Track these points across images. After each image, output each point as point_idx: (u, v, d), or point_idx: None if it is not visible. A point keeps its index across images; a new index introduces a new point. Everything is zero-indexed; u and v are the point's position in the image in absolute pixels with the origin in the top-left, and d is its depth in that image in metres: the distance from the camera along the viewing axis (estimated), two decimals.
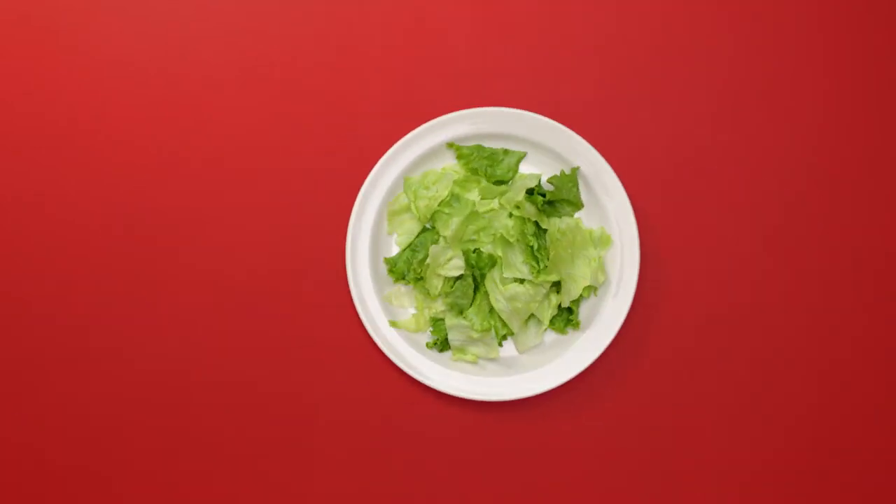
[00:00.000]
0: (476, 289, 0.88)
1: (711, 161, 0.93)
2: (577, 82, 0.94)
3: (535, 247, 0.86)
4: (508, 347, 0.91)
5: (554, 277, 0.86)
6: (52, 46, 0.95)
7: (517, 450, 0.91)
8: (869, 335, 0.91)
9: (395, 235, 0.92)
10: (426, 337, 0.91)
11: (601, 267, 0.88)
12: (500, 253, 0.87)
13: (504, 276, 0.86)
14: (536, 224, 0.88)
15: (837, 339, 0.91)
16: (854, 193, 0.92)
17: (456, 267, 0.88)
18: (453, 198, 0.89)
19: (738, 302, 0.91)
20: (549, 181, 0.89)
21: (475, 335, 0.88)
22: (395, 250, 0.92)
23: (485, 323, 0.87)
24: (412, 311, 0.91)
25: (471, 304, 0.88)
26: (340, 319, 0.93)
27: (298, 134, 0.94)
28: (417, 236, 0.90)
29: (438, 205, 0.89)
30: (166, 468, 0.93)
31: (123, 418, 0.93)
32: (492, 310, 0.88)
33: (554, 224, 0.88)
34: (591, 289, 0.89)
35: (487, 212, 0.89)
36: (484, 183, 0.90)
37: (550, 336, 0.91)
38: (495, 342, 0.89)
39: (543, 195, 0.89)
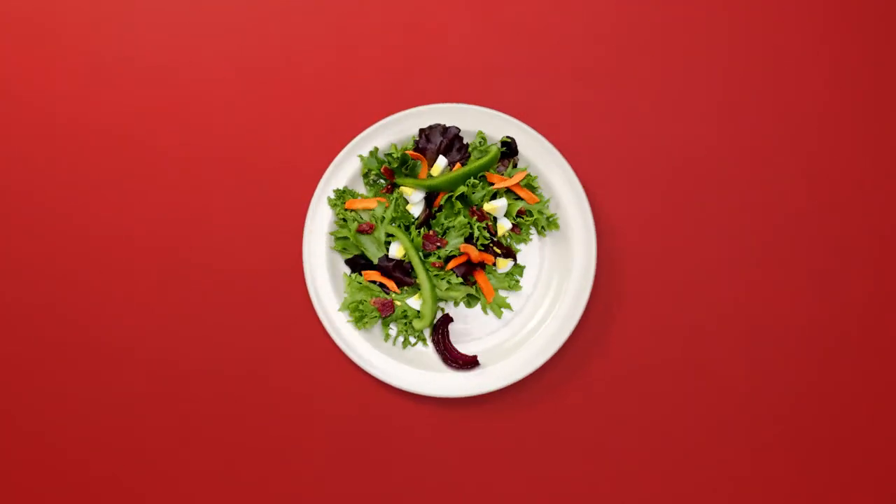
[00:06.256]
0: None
1: (673, 164, 0.94)
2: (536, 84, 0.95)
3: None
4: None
5: None
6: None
7: (477, 445, 0.92)
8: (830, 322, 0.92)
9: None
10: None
11: None
12: None
13: None
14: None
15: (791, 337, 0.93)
16: (808, 176, 0.94)
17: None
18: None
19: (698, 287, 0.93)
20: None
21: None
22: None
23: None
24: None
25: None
26: (296, 313, 0.94)
27: (255, 132, 0.95)
28: None
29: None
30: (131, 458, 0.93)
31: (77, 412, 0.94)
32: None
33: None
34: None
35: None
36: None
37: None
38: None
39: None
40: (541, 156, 0.91)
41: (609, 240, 0.94)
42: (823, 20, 0.95)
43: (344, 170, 0.92)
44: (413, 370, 0.90)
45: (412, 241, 0.90)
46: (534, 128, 0.94)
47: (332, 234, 0.91)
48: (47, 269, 0.95)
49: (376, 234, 0.90)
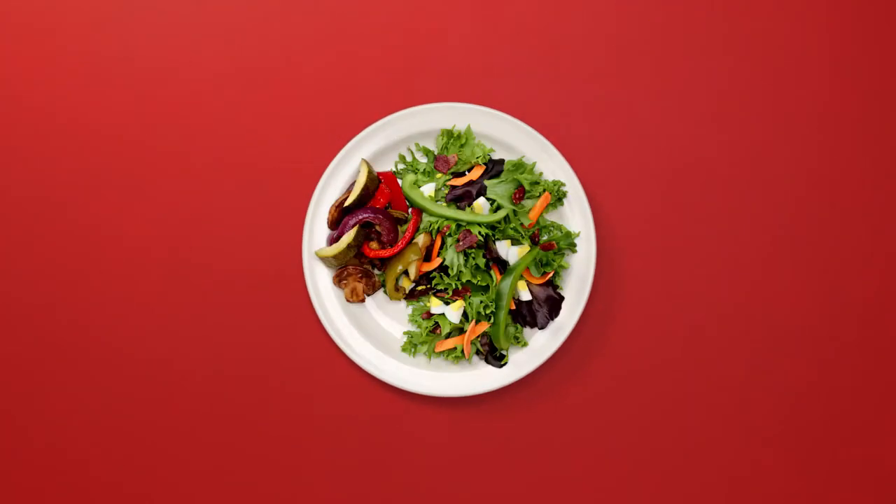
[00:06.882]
0: None
1: (672, 168, 0.94)
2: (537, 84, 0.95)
3: None
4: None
5: None
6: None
7: (477, 445, 0.92)
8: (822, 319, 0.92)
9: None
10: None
11: None
12: None
13: None
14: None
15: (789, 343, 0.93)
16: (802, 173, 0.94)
17: None
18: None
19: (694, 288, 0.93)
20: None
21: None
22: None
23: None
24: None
25: None
26: (296, 313, 0.94)
27: (255, 132, 0.95)
28: None
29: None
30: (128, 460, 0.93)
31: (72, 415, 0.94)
32: None
33: None
34: None
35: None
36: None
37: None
38: None
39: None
40: (541, 155, 0.91)
41: (609, 240, 0.94)
42: (823, 20, 0.95)
43: (344, 170, 0.92)
44: (413, 370, 0.90)
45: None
46: (534, 128, 0.94)
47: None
48: (47, 269, 0.95)
49: None
